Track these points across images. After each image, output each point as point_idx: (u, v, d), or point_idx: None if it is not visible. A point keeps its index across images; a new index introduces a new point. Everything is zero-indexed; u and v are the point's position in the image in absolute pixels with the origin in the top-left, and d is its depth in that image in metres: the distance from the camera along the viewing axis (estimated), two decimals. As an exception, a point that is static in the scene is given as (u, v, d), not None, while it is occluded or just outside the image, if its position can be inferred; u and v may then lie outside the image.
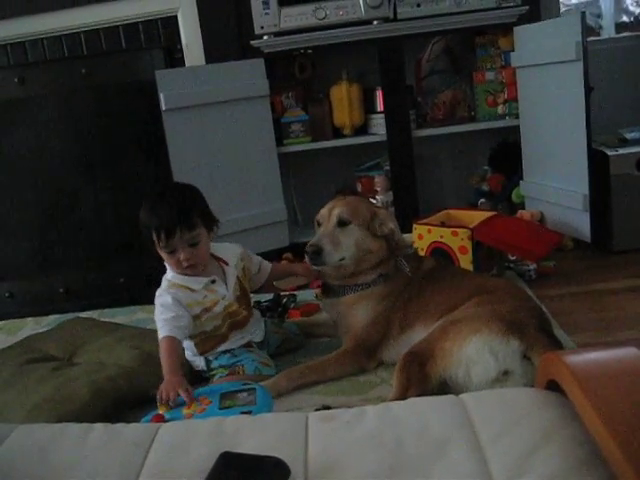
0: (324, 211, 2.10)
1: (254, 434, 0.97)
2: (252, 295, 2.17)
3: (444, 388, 1.70)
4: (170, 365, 1.76)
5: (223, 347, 1.98)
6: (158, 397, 1.67)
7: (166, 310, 1.86)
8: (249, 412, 1.53)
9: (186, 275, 1.92)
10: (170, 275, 1.94)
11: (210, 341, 1.98)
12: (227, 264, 2.02)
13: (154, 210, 1.89)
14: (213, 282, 1.95)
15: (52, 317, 2.83)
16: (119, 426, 1.05)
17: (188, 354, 2.01)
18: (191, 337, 1.95)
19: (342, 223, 2.04)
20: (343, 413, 1.02)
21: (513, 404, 0.98)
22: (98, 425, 1.05)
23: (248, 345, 2.02)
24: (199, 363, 2.00)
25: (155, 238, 1.87)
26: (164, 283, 1.94)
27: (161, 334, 1.82)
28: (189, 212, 1.89)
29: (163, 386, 1.69)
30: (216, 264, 2.01)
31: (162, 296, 1.90)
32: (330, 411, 1.04)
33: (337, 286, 2.10)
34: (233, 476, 0.86)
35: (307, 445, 0.94)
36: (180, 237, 1.86)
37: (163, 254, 1.90)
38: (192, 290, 1.92)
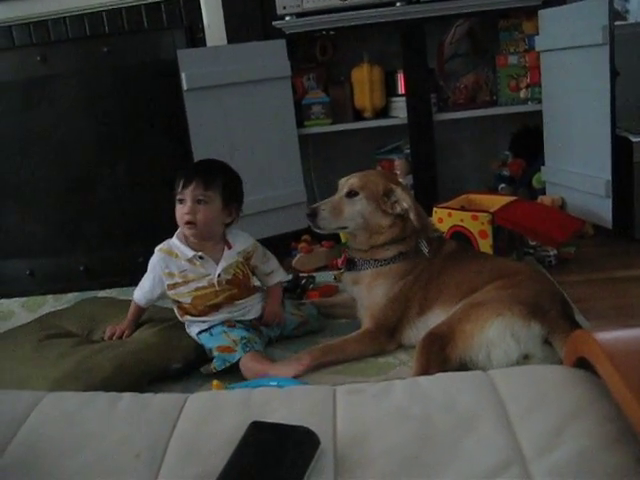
0: (342, 180, 2.15)
1: (282, 405, 0.98)
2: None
3: (464, 370, 1.69)
4: (130, 317, 2.12)
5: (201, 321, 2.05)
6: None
7: (148, 275, 2.06)
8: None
9: (185, 237, 2.03)
10: (169, 240, 2.06)
11: (186, 311, 2.07)
12: (230, 248, 2.07)
13: (190, 165, 2.19)
14: (201, 258, 2.01)
15: (72, 295, 2.85)
16: (147, 396, 1.06)
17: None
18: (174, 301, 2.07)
19: (351, 193, 2.08)
20: (370, 387, 1.02)
21: (542, 380, 0.98)
22: (126, 394, 1.06)
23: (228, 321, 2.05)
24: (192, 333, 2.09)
25: (176, 186, 2.01)
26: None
27: (135, 296, 2.11)
28: (212, 173, 2.02)
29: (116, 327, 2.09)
30: (220, 245, 2.07)
31: (155, 255, 2.06)
32: (357, 385, 1.04)
33: (358, 259, 2.11)
34: (264, 444, 0.87)
35: (335, 417, 0.94)
36: (193, 189, 1.97)
37: (177, 206, 2.02)
38: (177, 257, 2.02)
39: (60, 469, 0.89)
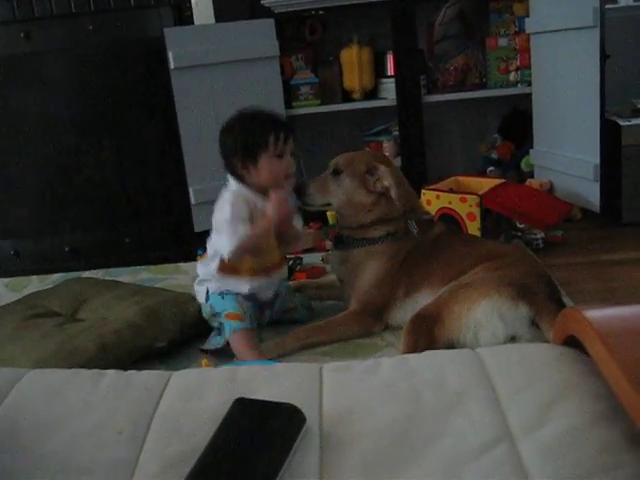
0: (332, 161, 2.14)
1: (268, 383, 0.96)
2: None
3: (451, 351, 1.69)
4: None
5: (237, 282, 1.94)
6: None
7: (240, 222, 1.84)
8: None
9: (268, 189, 1.91)
10: (235, 187, 1.93)
11: (231, 267, 1.93)
12: None
13: (269, 119, 1.96)
14: None
15: (56, 275, 2.82)
16: (131, 373, 1.04)
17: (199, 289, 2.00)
18: None
19: (335, 172, 2.07)
20: (358, 364, 1.01)
21: (531, 359, 0.97)
22: (110, 371, 1.04)
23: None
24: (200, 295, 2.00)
25: (272, 142, 1.89)
26: (229, 194, 1.92)
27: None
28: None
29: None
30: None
31: (236, 204, 1.88)
32: (344, 362, 1.03)
33: (347, 237, 2.10)
34: (249, 421, 0.85)
35: (322, 394, 0.93)
36: (292, 141, 1.95)
37: (267, 163, 1.90)
38: (255, 205, 1.90)
39: (41, 445, 0.87)
